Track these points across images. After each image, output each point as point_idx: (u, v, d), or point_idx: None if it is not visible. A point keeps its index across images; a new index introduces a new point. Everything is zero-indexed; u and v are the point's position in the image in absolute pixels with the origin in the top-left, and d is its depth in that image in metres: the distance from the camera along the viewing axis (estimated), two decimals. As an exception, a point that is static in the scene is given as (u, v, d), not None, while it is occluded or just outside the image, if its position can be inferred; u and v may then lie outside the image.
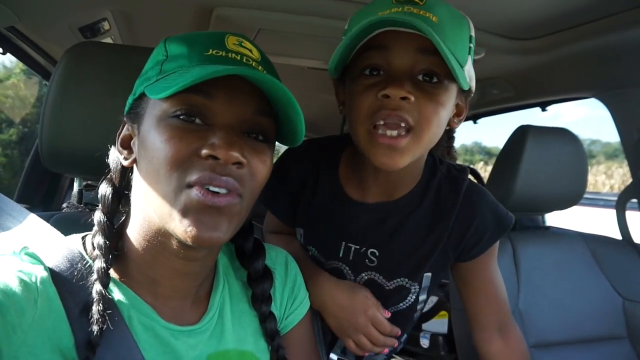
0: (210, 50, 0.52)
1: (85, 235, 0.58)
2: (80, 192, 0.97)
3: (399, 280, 0.85)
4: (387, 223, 0.82)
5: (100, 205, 0.57)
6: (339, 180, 0.84)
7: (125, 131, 0.58)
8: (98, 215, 0.55)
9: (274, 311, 0.66)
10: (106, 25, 1.30)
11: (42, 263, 0.50)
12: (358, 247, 0.84)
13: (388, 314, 0.83)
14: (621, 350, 1.28)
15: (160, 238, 0.53)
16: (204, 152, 0.48)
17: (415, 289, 0.87)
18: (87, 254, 0.55)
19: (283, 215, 0.91)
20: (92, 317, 0.48)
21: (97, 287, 0.49)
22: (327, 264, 0.88)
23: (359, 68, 0.68)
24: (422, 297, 0.91)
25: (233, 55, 0.53)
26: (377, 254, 0.84)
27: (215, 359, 0.59)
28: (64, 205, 0.95)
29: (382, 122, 0.65)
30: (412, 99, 0.63)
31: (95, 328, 0.47)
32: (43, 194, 1.77)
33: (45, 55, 1.47)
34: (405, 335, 1.00)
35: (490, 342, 0.89)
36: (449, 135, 0.90)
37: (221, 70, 0.46)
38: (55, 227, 0.59)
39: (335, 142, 0.88)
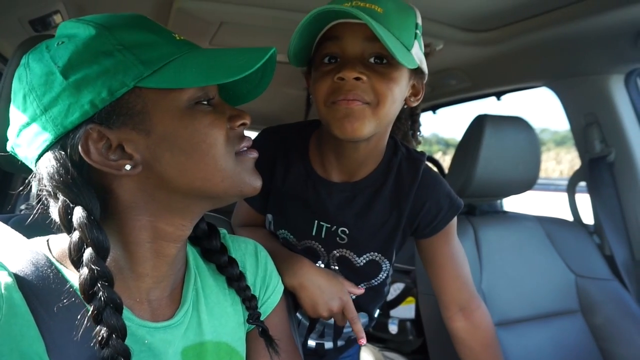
0: (176, 35, 0.56)
1: (49, 238, 0.56)
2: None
3: (369, 255, 0.90)
4: (355, 202, 0.87)
5: (85, 238, 0.48)
6: (310, 163, 0.88)
7: (99, 142, 0.49)
8: (88, 255, 0.47)
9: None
10: (58, 19, 1.24)
11: (5, 268, 0.48)
12: (329, 225, 0.88)
13: (362, 290, 0.89)
14: (575, 323, 1.37)
15: (177, 219, 0.56)
16: (240, 122, 0.58)
17: (386, 265, 0.92)
18: (53, 257, 0.53)
19: (258, 205, 0.93)
20: None
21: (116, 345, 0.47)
22: (300, 244, 0.90)
23: (320, 57, 0.75)
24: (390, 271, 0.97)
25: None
26: (347, 232, 0.88)
27: (191, 351, 0.59)
28: (22, 207, 0.91)
29: (340, 98, 0.72)
30: (365, 78, 0.70)
31: None
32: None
33: (-8, 50, 1.39)
34: (378, 310, 1.05)
35: (453, 319, 0.95)
36: (412, 118, 0.95)
37: (260, 57, 0.52)
38: (15, 230, 0.57)
39: (303, 126, 0.92)
